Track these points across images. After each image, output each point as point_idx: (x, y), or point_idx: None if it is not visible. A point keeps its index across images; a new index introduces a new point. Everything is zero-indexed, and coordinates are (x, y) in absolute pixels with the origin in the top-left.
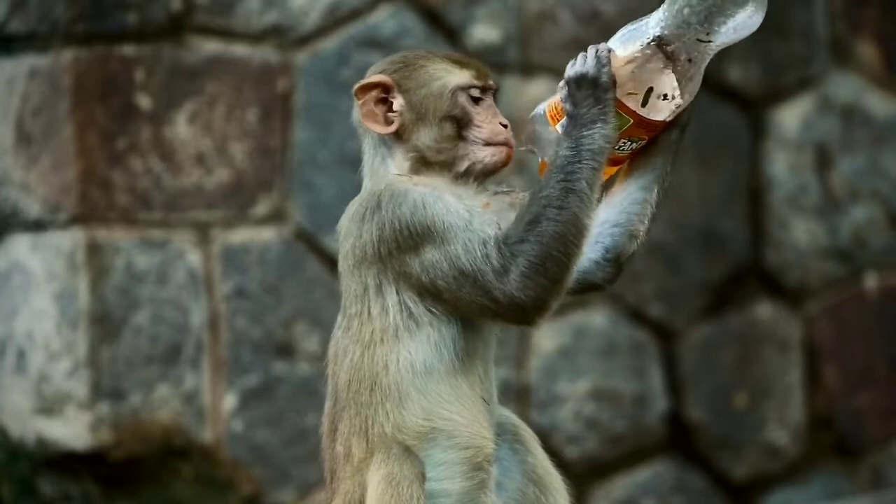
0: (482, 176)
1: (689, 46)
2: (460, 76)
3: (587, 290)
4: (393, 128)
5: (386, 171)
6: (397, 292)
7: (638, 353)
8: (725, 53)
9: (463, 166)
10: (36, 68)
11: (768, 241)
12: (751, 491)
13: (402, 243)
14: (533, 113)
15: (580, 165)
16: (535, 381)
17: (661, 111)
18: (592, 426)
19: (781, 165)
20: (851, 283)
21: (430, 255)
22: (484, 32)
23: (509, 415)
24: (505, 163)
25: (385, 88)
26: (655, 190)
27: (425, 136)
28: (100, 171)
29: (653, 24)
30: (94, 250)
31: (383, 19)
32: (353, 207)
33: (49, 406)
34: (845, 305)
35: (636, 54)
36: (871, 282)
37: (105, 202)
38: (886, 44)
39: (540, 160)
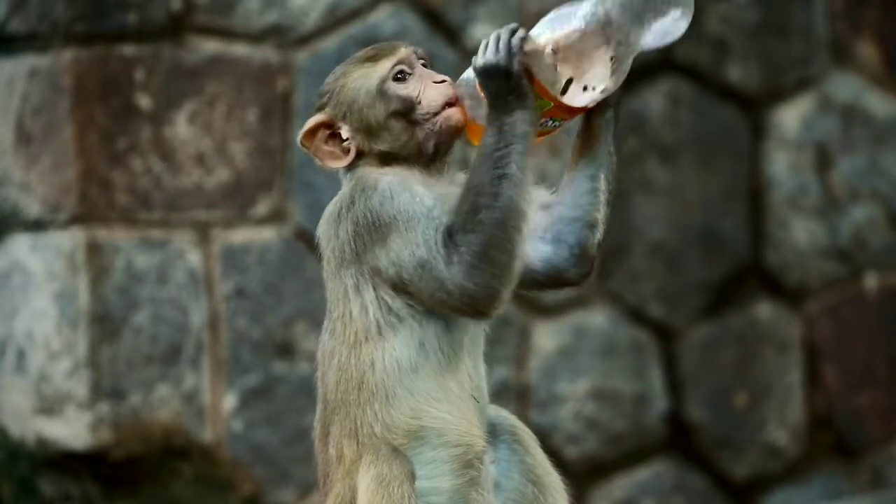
0: (451, 141)
1: (614, 43)
2: (377, 71)
3: (563, 285)
4: (352, 155)
5: (356, 172)
6: (374, 289)
7: (638, 353)
8: (725, 53)
9: (430, 146)
10: (36, 68)
11: (768, 241)
12: (751, 491)
13: (374, 235)
14: (463, 77)
15: (507, 150)
16: (535, 381)
17: (581, 99)
18: (592, 426)
19: (781, 165)
20: (851, 283)
21: (396, 244)
22: (484, 32)
23: (507, 415)
24: (462, 121)
25: (327, 125)
26: (602, 176)
27: (383, 143)
28: (100, 171)
29: (580, 15)
30: (94, 250)
31: (383, 19)
32: (329, 209)
33: (49, 406)
34: (845, 305)
35: (559, 42)
36: (871, 282)
37: (105, 202)
38: (886, 44)
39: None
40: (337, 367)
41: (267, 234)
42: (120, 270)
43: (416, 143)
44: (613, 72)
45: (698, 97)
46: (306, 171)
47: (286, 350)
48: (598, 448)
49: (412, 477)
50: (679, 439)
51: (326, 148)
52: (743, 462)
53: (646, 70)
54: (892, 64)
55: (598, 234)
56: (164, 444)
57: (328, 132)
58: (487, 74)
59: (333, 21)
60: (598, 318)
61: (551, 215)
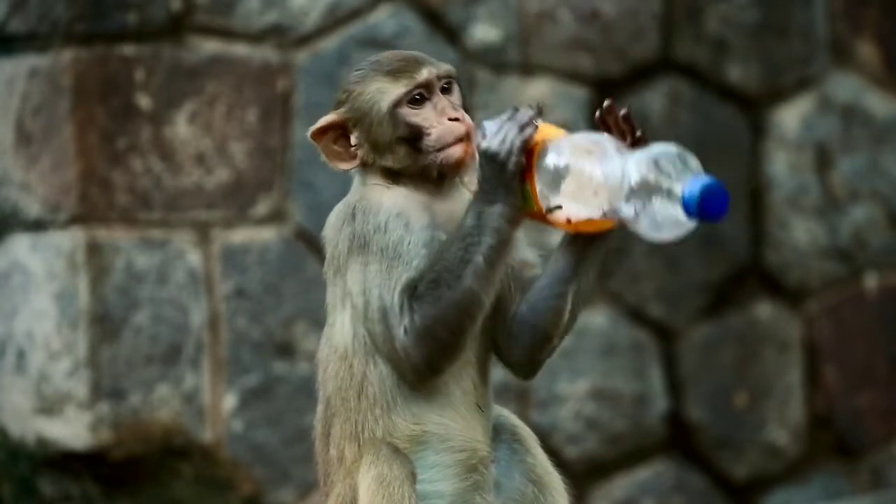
0: (455, 171)
1: (617, 203)
2: (393, 90)
3: (509, 368)
4: (357, 161)
5: (365, 182)
6: (353, 308)
7: (638, 353)
8: (725, 53)
9: (434, 172)
10: (36, 68)
11: (768, 241)
12: (751, 491)
13: (359, 258)
14: (483, 124)
15: (478, 239)
16: (535, 380)
17: (562, 223)
18: (592, 426)
19: (781, 165)
20: (851, 283)
21: (371, 276)
22: (484, 32)
23: (508, 414)
24: (463, 156)
25: (339, 126)
26: (569, 299)
27: (388, 161)
28: (100, 171)
29: (604, 169)
30: (94, 250)
31: (383, 19)
32: (333, 216)
33: (49, 406)
34: (845, 305)
35: (573, 169)
36: (871, 282)
37: (105, 202)
38: (886, 44)
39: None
40: (335, 374)
41: (267, 234)
42: (120, 270)
43: (420, 168)
44: (600, 221)
45: (698, 97)
46: (306, 171)
47: (286, 350)
48: (598, 448)
49: (413, 477)
50: (679, 439)
51: (335, 148)
52: (743, 462)
53: (646, 70)
54: (892, 64)
55: (551, 347)
56: (164, 444)
57: (339, 132)
58: (486, 159)
59: (333, 21)
60: (598, 318)
61: (524, 303)
